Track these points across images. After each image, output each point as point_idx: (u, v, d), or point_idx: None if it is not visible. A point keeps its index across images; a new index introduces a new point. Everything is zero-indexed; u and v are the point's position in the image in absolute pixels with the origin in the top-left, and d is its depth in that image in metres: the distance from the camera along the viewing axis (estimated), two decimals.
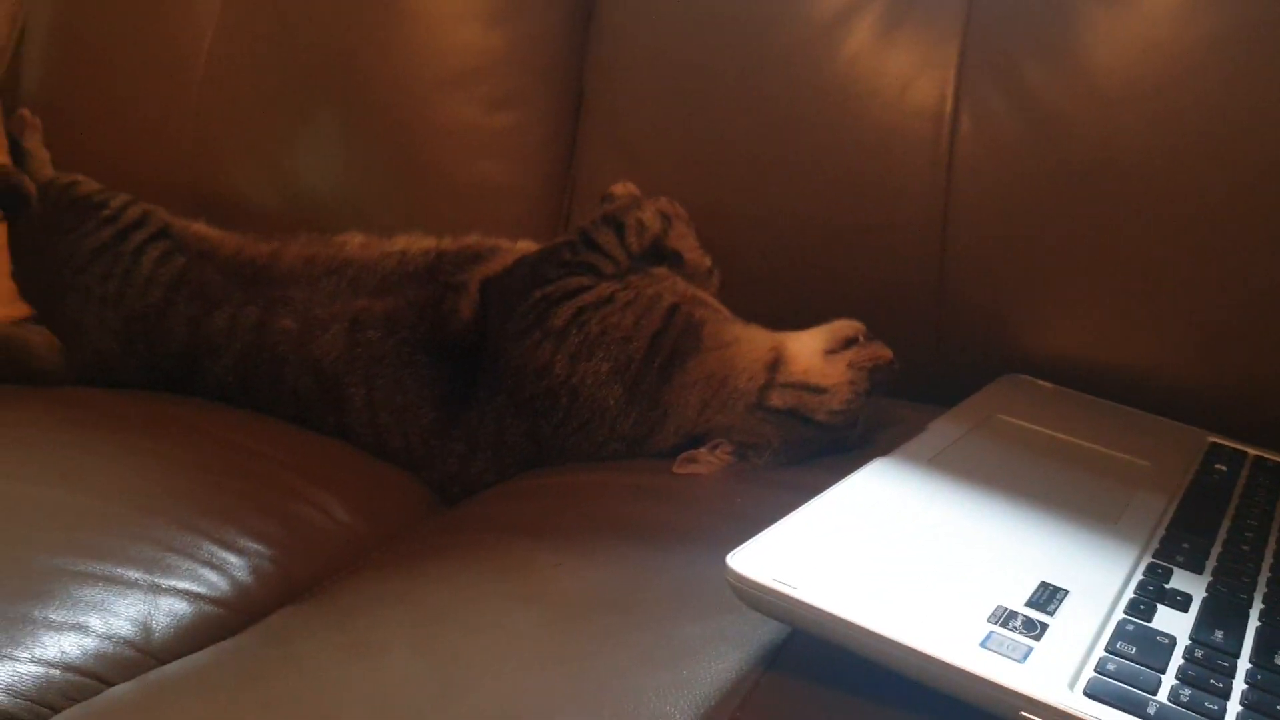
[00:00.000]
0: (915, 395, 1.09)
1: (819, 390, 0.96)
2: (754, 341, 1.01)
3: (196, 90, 1.35)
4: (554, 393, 1.00)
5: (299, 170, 1.32)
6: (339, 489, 1.00)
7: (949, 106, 1.10)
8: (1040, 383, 1.08)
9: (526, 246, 1.14)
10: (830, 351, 0.99)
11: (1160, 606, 0.65)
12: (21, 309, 1.23)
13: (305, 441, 1.07)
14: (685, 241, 1.13)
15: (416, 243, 1.16)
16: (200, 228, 1.23)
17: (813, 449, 0.97)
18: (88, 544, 0.82)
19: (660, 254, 1.12)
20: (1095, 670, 0.58)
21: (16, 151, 1.36)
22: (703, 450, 0.96)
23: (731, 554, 0.63)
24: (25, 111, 1.39)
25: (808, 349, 0.99)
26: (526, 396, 1.01)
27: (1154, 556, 0.72)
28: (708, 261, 1.15)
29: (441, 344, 1.06)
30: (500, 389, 1.03)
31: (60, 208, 1.25)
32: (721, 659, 0.65)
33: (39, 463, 0.93)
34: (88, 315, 1.15)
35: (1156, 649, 0.60)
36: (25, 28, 1.45)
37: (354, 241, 1.18)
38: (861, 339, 1.00)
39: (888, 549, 0.68)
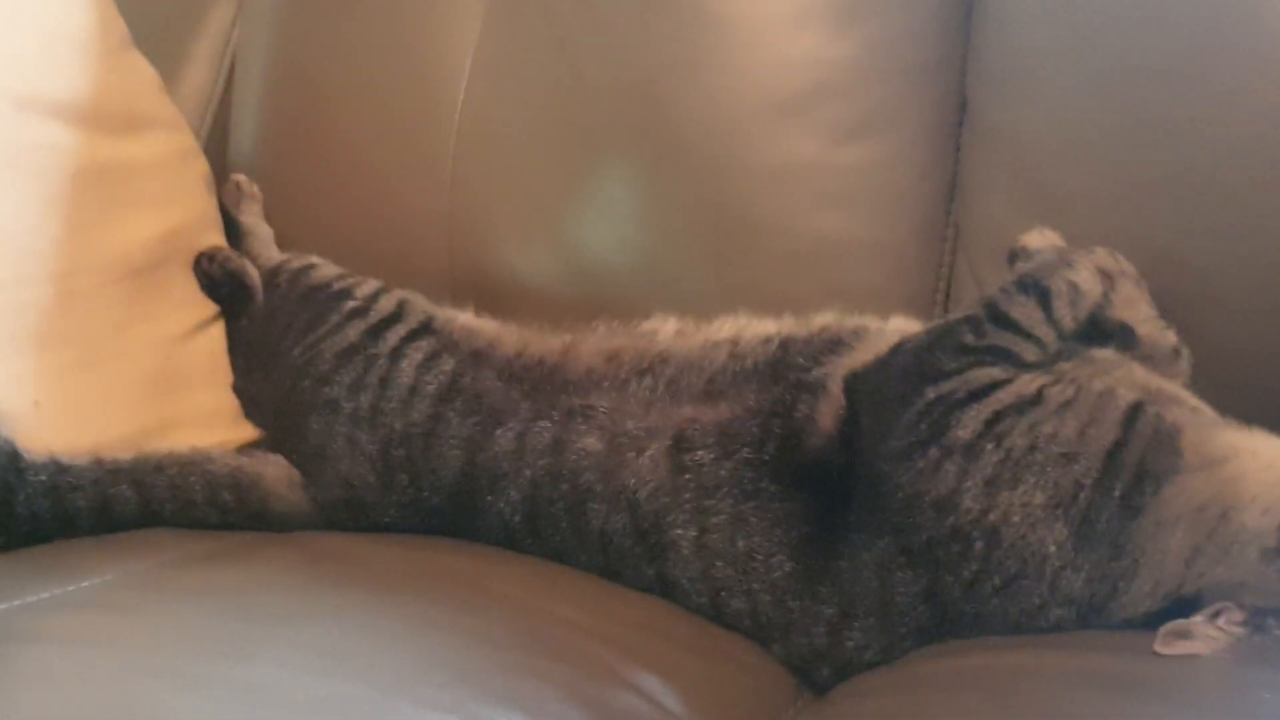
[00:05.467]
0: None
1: None
2: (1263, 455, 0.96)
3: (452, 145, 1.41)
4: (964, 535, 0.98)
5: (585, 239, 1.36)
6: (666, 669, 1.00)
7: None
8: None
9: (903, 326, 1.13)
10: None
11: None
12: (246, 431, 1.31)
13: (619, 602, 1.08)
14: (1135, 309, 1.10)
15: (750, 327, 1.17)
16: (469, 320, 1.28)
17: None
18: None
19: (1099, 330, 1.09)
20: None
21: (232, 230, 1.46)
22: (1198, 619, 0.91)
23: None
24: (240, 178, 1.50)
25: None
26: (923, 541, 0.99)
27: None
28: (1171, 337, 1.11)
29: (797, 466, 1.06)
30: (884, 530, 1.01)
31: (292, 300, 1.33)
32: None
33: (292, 641, 0.96)
34: (335, 439, 1.20)
35: None
36: (235, 72, 1.58)
37: (666, 329, 1.21)
38: None
39: None
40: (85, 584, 1.02)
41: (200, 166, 1.43)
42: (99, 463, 1.14)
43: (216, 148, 1.54)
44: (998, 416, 0.99)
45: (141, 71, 1.39)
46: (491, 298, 1.35)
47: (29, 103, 1.22)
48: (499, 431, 1.15)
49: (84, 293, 1.22)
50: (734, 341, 1.15)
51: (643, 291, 1.32)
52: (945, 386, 1.02)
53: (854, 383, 1.07)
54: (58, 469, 1.12)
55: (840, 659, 1.02)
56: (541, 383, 1.18)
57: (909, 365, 1.05)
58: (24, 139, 1.21)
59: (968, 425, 0.99)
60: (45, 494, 1.10)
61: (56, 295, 1.19)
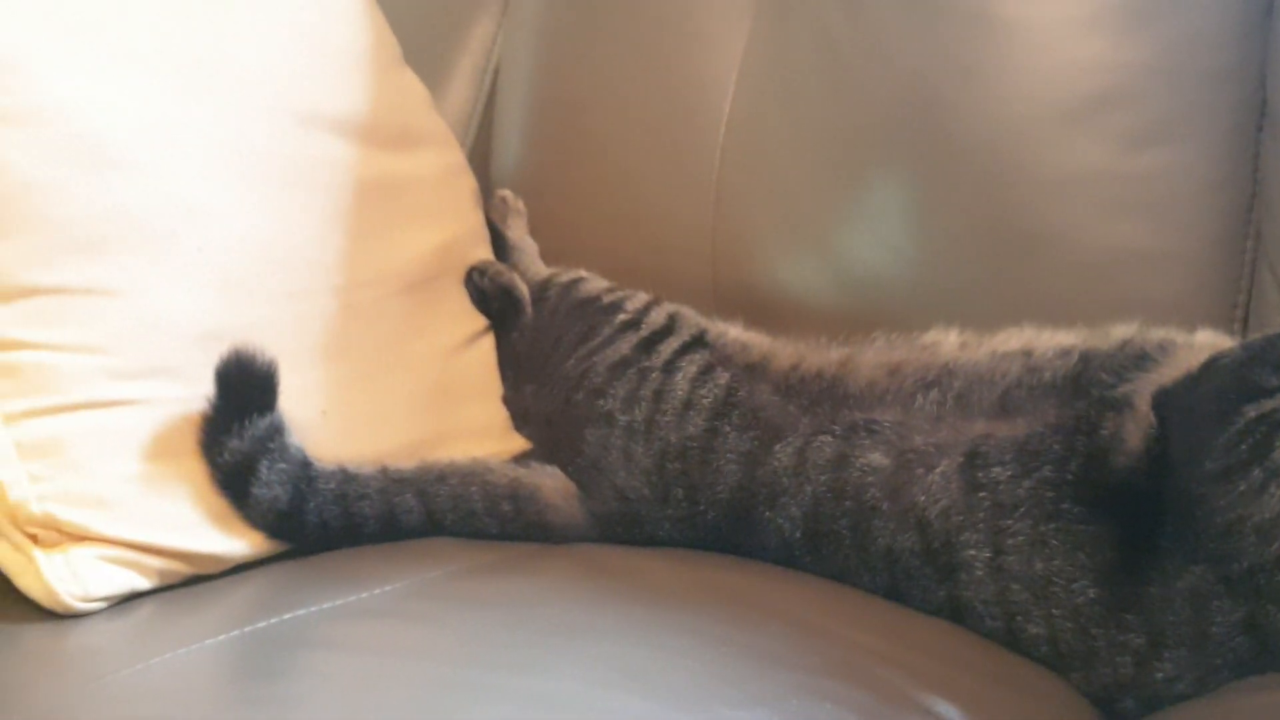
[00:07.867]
0: None
1: None
2: None
3: (717, 157, 1.40)
4: None
5: (857, 250, 1.33)
6: (963, 696, 0.96)
7: None
8: None
9: (1212, 340, 1.08)
10: None
11: None
12: (516, 443, 1.32)
13: (906, 625, 1.05)
14: None
15: (1045, 340, 1.13)
16: (739, 333, 1.26)
17: None
18: None
19: None
20: None
21: (498, 244, 1.47)
22: None
23: None
24: (505, 193, 1.50)
25: None
26: (1244, 568, 0.94)
27: None
28: None
29: (1102, 487, 1.02)
30: (1199, 556, 0.96)
31: (563, 313, 1.33)
32: None
33: (583, 654, 0.95)
34: (610, 451, 1.20)
35: None
36: (497, 87, 1.59)
37: (948, 341, 1.17)
38: None
39: None
40: (377, 591, 1.03)
41: (469, 181, 1.45)
42: (384, 472, 1.15)
43: (479, 163, 1.55)
44: None
45: (414, 88, 1.41)
46: (757, 311, 1.32)
47: (311, 119, 1.24)
48: (777, 446, 1.13)
49: (365, 305, 1.24)
50: (1027, 354, 1.11)
51: (917, 304, 1.28)
52: (1267, 405, 0.95)
53: (1164, 400, 1.02)
54: (346, 477, 1.13)
55: (1147, 691, 0.97)
56: (820, 397, 1.16)
57: (1226, 382, 0.99)
58: (308, 154, 1.23)
59: None
60: (334, 501, 1.12)
61: (340, 307, 1.21)
